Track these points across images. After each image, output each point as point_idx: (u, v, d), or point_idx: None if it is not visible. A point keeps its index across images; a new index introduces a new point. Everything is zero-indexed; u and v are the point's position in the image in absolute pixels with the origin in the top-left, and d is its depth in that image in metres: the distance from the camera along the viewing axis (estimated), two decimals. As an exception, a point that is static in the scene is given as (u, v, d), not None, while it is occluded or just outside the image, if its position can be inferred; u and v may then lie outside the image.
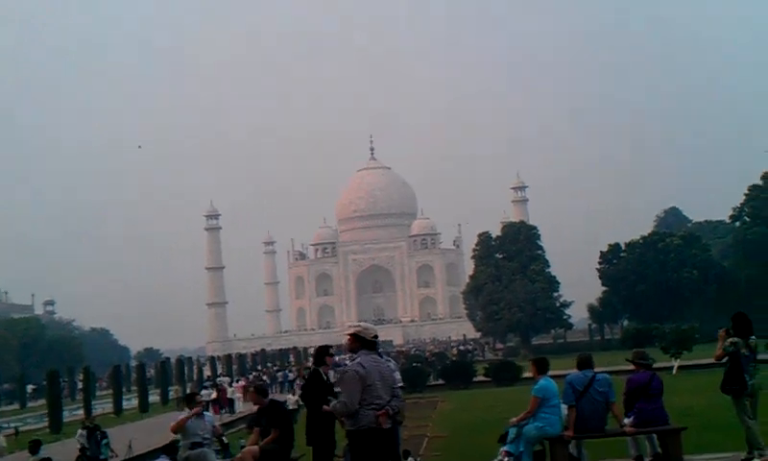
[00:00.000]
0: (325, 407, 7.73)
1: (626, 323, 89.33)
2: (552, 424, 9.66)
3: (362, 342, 7.48)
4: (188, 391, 48.31)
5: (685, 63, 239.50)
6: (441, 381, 46.98)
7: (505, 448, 9.96)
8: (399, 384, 9.72)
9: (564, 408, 9.87)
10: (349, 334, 7.64)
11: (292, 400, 32.91)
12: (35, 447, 17.35)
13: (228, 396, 40.29)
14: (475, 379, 47.33)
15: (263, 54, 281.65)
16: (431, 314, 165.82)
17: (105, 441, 24.83)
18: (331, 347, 9.54)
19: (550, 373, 10.20)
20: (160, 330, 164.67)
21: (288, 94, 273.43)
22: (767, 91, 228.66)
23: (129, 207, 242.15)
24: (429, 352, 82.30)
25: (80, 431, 24.22)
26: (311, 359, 69.95)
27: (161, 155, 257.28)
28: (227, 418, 36.34)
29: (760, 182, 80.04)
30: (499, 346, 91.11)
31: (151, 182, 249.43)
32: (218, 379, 47.82)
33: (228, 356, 64.78)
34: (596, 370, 10.62)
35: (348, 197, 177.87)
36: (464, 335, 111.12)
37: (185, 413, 10.27)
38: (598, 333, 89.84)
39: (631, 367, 10.94)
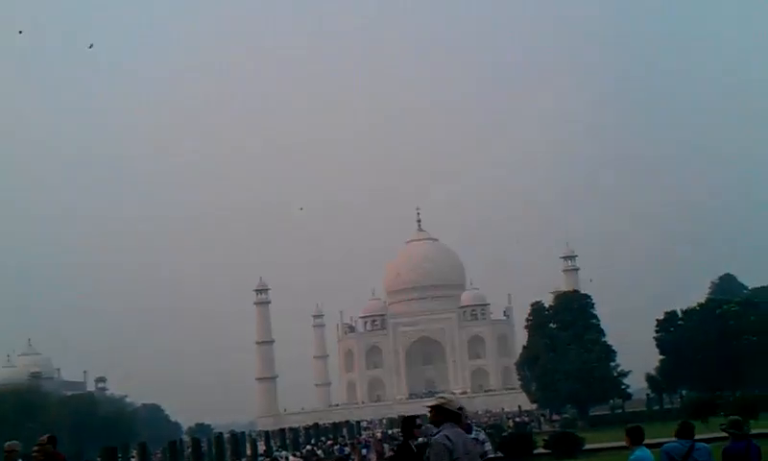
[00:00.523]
0: None
1: (684, 392, 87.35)
2: (649, 495, 9.22)
3: (445, 414, 7.30)
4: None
5: (742, 128, 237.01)
6: (499, 454, 45.93)
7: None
8: (491, 455, 9.36)
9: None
10: (432, 406, 7.40)
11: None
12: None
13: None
14: (535, 451, 46.34)
15: (311, 128, 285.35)
16: (483, 385, 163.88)
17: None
18: (418, 417, 9.22)
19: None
20: (211, 405, 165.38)
21: (335, 167, 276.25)
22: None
23: (178, 282, 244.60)
24: (485, 424, 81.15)
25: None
26: (363, 434, 69.41)
27: (210, 229, 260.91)
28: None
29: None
30: (555, 417, 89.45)
31: (201, 257, 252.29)
32: (275, 454, 47.43)
33: (282, 431, 64.33)
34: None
35: (397, 269, 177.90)
36: (519, 406, 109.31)
37: None
38: (656, 403, 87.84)
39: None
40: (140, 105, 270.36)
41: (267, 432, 68.52)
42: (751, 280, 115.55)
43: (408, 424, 8.69)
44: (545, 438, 49.36)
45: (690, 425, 10.08)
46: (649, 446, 10.39)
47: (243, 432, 67.80)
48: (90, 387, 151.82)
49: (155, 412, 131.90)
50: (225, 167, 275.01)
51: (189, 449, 59.68)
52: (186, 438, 78.93)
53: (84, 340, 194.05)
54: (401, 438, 8.77)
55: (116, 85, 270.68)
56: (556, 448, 45.53)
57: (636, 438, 9.77)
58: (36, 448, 10.84)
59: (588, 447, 46.78)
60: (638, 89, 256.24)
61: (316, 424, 77.26)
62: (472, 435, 9.22)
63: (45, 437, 10.99)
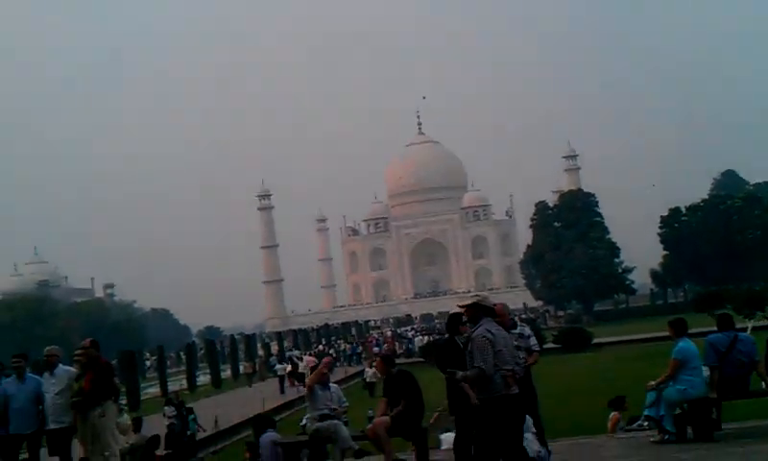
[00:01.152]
0: (457, 376, 7.54)
1: (688, 286, 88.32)
2: (695, 387, 9.46)
3: (483, 310, 7.48)
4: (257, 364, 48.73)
5: (743, 25, 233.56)
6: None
7: (645, 412, 9.80)
8: (536, 348, 9.59)
9: (705, 370, 9.65)
10: (467, 305, 7.61)
11: (370, 372, 32.95)
12: (137, 425, 17.52)
13: (300, 370, 40.46)
14: (545, 346, 47.19)
15: (308, 32, 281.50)
16: (486, 284, 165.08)
17: (191, 416, 25.09)
18: (463, 315, 9.39)
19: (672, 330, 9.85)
20: (219, 309, 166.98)
21: (335, 73, 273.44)
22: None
23: (183, 188, 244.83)
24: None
25: (167, 408, 24.52)
26: (372, 333, 70.06)
27: (213, 139, 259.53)
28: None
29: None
30: (560, 313, 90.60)
31: (205, 163, 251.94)
32: (288, 354, 48.26)
33: (293, 332, 65.29)
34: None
35: (398, 172, 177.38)
36: (524, 303, 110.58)
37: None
38: (661, 298, 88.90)
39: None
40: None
41: (279, 333, 69.56)
42: (752, 176, 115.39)
43: (454, 320, 8.85)
44: (554, 333, 50.24)
45: (729, 317, 10.20)
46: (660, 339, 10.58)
47: (253, 334, 68.77)
48: (98, 294, 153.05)
49: (164, 316, 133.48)
50: (231, 71, 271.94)
51: (202, 351, 60.74)
52: (198, 341, 79.91)
53: (91, 247, 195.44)
54: (447, 334, 8.96)
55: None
56: (566, 343, 46.39)
57: (679, 330, 9.89)
58: (79, 351, 10.77)
59: (595, 341, 47.68)
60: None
61: (326, 325, 78.47)
62: (517, 330, 9.40)
63: (88, 340, 10.82)
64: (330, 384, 9.78)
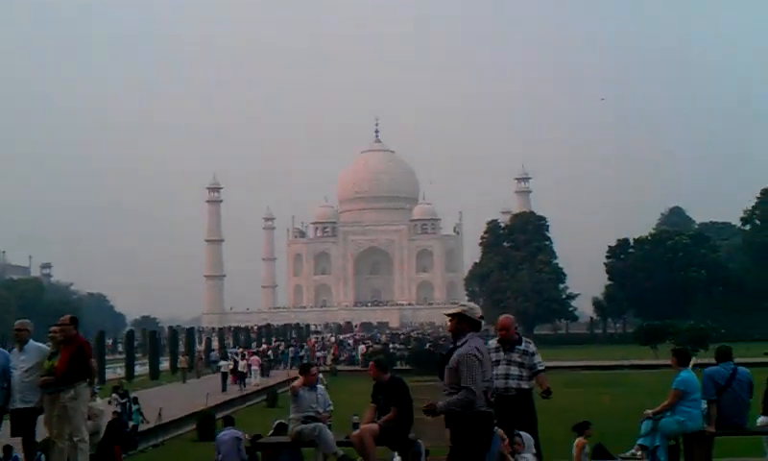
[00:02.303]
0: (437, 405, 6.97)
1: (627, 318, 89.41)
2: (693, 419, 9.21)
3: (468, 322, 6.88)
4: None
5: (698, 66, 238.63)
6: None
7: (639, 441, 9.54)
8: (540, 368, 9.28)
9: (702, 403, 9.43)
10: (453, 314, 7.02)
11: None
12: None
13: (240, 368, 39.79)
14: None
15: (268, 31, 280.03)
16: (428, 298, 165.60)
17: (136, 407, 24.42)
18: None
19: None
20: (155, 299, 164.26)
21: (295, 71, 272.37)
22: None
23: (129, 175, 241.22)
24: (431, 336, 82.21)
25: (114, 396, 23.74)
26: (312, 337, 69.16)
27: (165, 124, 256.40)
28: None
29: (773, 186, 79.88)
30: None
31: (154, 152, 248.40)
32: (229, 351, 47.51)
33: (236, 329, 64.45)
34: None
35: (351, 177, 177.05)
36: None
37: (298, 380, 9.54)
38: (599, 327, 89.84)
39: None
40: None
41: (221, 329, 68.61)
42: (698, 215, 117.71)
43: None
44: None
45: (728, 349, 10.00)
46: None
47: (193, 328, 67.55)
48: (35, 272, 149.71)
49: (100, 302, 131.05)
50: (182, 61, 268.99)
51: (137, 342, 59.28)
52: (134, 329, 78.33)
53: (30, 225, 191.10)
54: (452, 345, 8.54)
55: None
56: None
57: (682, 360, 9.69)
58: (55, 327, 10.15)
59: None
60: (606, 19, 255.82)
61: (267, 325, 77.55)
62: (522, 346, 9.07)
63: (68, 317, 10.16)
64: (318, 386, 9.32)
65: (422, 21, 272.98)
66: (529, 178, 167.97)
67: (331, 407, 9.70)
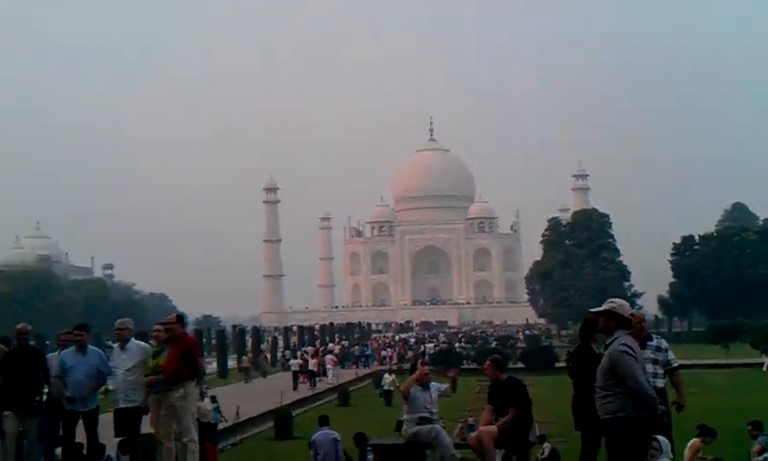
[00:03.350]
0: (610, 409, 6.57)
1: (694, 317, 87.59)
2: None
3: (618, 320, 6.56)
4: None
5: (756, 61, 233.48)
6: (521, 365, 45.94)
7: (759, 441, 9.16)
8: (675, 365, 8.90)
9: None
10: (601, 312, 6.69)
11: (389, 379, 31.89)
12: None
13: (310, 367, 39.77)
14: (557, 365, 46.49)
15: (327, 26, 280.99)
16: (486, 297, 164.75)
17: (215, 405, 24.43)
18: (598, 321, 8.65)
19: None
20: (214, 298, 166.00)
21: (351, 69, 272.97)
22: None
23: (189, 175, 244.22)
24: (492, 335, 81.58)
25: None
26: (374, 336, 69.10)
27: (223, 127, 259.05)
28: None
29: None
30: (562, 332, 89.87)
31: (213, 151, 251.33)
32: (302, 349, 47.58)
33: (300, 328, 64.69)
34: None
35: (406, 177, 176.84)
36: (526, 319, 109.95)
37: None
38: (665, 326, 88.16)
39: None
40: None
41: (286, 329, 68.95)
42: (762, 211, 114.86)
43: (590, 327, 8.15)
44: (569, 352, 49.61)
45: None
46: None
47: (256, 327, 68.00)
48: (97, 273, 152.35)
49: (162, 301, 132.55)
50: (239, 61, 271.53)
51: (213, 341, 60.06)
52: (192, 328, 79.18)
53: (92, 226, 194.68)
54: (581, 341, 8.24)
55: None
56: (576, 364, 45.64)
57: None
58: (159, 326, 10.04)
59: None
60: (658, 18, 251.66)
61: (330, 324, 77.73)
62: (654, 343, 8.69)
63: (174, 315, 9.96)
64: (431, 384, 9.01)
65: (479, 19, 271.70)
66: (586, 175, 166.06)
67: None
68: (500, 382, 8.83)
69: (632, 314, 8.47)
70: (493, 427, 8.47)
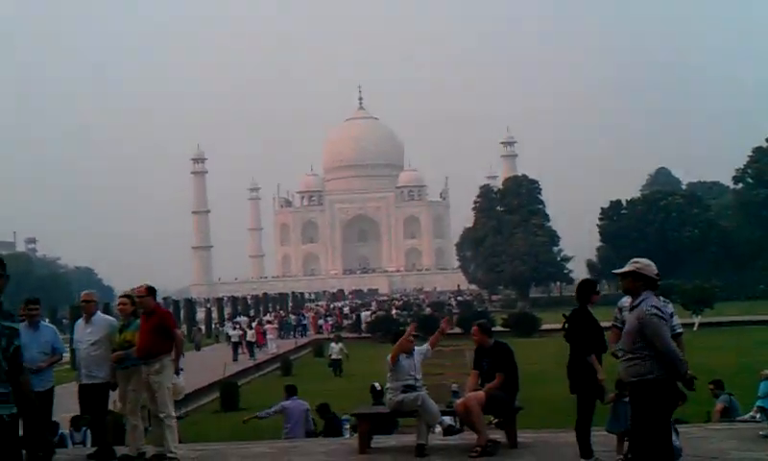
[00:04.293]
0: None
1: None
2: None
3: (645, 281, 6.34)
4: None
5: (679, 28, 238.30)
6: (458, 330, 46.18)
7: (759, 403, 9.19)
8: (679, 330, 8.80)
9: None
10: (626, 272, 6.45)
11: (336, 348, 31.57)
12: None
13: (248, 339, 39.39)
14: (493, 329, 46.90)
15: (251, 3, 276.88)
16: (416, 265, 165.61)
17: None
18: (598, 283, 8.48)
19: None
20: (142, 271, 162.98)
21: (278, 39, 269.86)
22: (755, 58, 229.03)
23: (113, 147, 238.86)
24: (424, 302, 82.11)
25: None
26: (308, 305, 68.42)
27: (149, 95, 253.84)
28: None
29: (765, 145, 79.65)
30: (494, 297, 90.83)
31: (138, 124, 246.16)
32: (238, 319, 47.07)
33: (233, 299, 63.99)
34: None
35: (336, 146, 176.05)
36: (458, 285, 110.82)
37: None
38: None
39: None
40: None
41: (218, 300, 68.12)
42: (684, 175, 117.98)
43: (587, 287, 8.02)
44: (505, 317, 50.14)
45: None
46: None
47: (192, 298, 67.08)
48: (20, 248, 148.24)
49: (88, 275, 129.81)
50: (168, 30, 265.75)
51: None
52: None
53: (13, 199, 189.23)
54: (578, 303, 8.11)
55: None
56: (516, 328, 46.21)
57: None
58: (123, 298, 9.49)
59: (545, 327, 47.51)
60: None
61: (265, 294, 77.11)
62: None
63: (144, 287, 9.15)
64: (414, 348, 8.78)
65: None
66: (514, 142, 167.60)
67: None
68: (486, 347, 8.69)
69: (657, 276, 8.28)
70: (481, 393, 8.32)
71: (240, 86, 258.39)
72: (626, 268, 6.53)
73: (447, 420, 9.00)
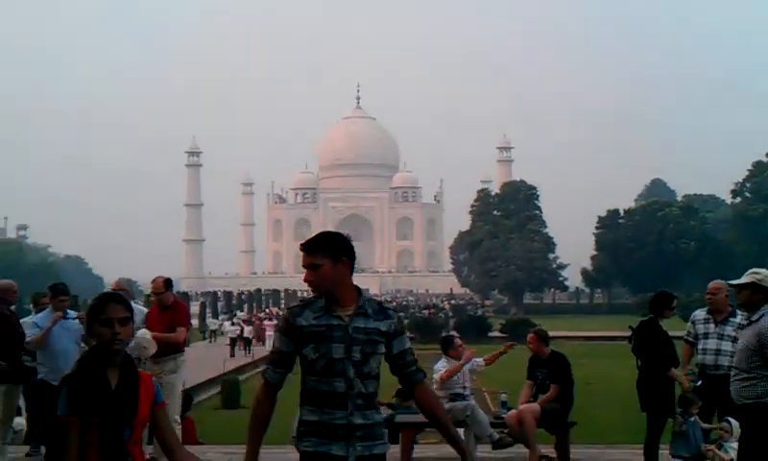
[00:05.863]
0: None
1: (616, 289, 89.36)
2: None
3: (765, 294, 5.71)
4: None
5: (677, 40, 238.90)
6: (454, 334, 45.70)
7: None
8: None
9: None
10: (743, 284, 5.84)
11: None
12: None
13: (245, 335, 38.99)
14: (490, 334, 46.50)
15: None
16: (408, 266, 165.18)
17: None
18: (675, 298, 8.01)
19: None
20: (133, 262, 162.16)
21: (277, 34, 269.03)
22: (752, 70, 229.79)
23: (108, 136, 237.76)
24: (417, 302, 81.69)
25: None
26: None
27: (145, 87, 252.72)
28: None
29: (765, 160, 79.50)
30: (486, 302, 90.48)
31: (134, 114, 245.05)
32: (239, 313, 46.63)
33: (228, 294, 63.49)
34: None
35: (332, 144, 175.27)
36: (450, 289, 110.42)
37: (444, 361, 8.26)
38: (584, 297, 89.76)
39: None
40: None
41: (215, 295, 67.50)
42: (680, 188, 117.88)
43: (663, 300, 7.53)
44: (503, 322, 49.79)
45: None
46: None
47: (186, 292, 66.48)
48: (11, 234, 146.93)
49: (78, 264, 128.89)
50: (164, 26, 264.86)
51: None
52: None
53: (5, 187, 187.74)
54: (650, 314, 7.62)
55: None
56: (513, 333, 45.73)
57: None
58: (114, 289, 8.76)
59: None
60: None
61: (259, 290, 76.60)
62: (737, 319, 7.52)
63: (161, 280, 8.50)
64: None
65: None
66: (511, 147, 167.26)
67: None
68: (542, 357, 8.21)
69: (709, 285, 7.70)
70: (536, 405, 7.83)
71: (237, 80, 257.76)
72: (744, 279, 5.94)
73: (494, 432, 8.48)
